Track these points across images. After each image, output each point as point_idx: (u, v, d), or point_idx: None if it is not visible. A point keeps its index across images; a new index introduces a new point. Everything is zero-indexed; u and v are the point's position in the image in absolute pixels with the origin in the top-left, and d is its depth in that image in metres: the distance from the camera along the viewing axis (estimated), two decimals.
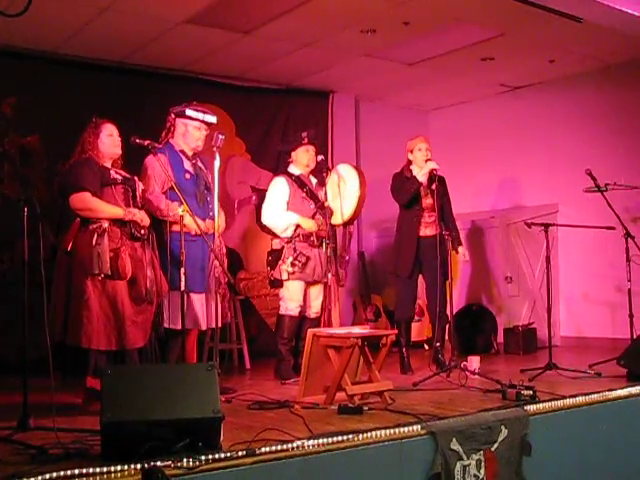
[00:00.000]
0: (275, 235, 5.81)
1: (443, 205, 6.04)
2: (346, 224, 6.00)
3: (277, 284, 5.79)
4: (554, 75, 7.77)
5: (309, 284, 5.78)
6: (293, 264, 5.62)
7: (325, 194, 5.81)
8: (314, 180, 5.93)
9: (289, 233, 5.71)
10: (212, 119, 5.35)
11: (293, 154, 5.92)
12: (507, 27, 6.35)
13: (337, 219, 5.89)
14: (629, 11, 5.92)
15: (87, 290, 4.34)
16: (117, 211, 4.53)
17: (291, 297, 5.71)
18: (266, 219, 5.82)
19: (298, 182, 5.83)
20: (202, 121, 5.28)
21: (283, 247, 5.71)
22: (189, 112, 5.23)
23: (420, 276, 6.10)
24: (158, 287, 4.65)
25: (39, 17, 5.31)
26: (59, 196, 4.83)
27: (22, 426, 3.62)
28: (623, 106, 7.43)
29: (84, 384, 4.41)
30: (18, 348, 3.91)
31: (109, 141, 4.68)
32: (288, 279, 5.68)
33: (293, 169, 5.91)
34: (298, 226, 5.70)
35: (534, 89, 8.16)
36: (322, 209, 5.73)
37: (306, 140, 5.86)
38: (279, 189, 5.80)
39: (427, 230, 6.01)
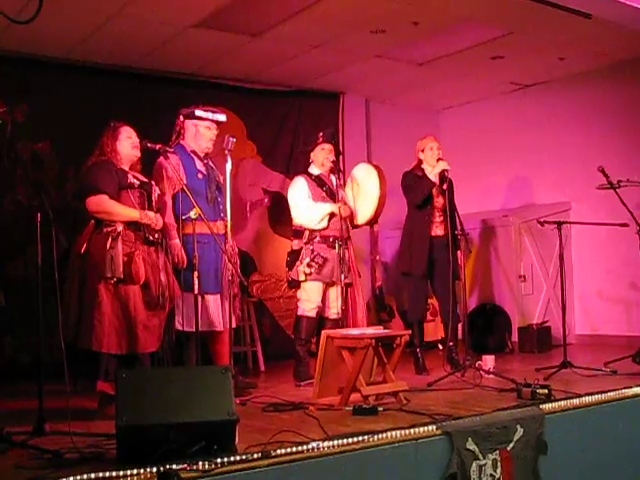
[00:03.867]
0: (296, 236, 5.78)
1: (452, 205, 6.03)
2: (368, 224, 6.06)
3: (294, 285, 5.79)
4: (564, 72, 7.73)
5: (328, 285, 5.75)
6: (309, 265, 5.61)
7: (345, 195, 5.87)
8: (334, 180, 5.88)
9: (325, 223, 5.68)
10: (222, 117, 5.38)
11: (312, 154, 5.93)
12: (516, 25, 6.33)
13: (357, 220, 5.96)
14: (638, 6, 5.89)
15: (100, 294, 4.34)
16: (133, 213, 4.54)
17: (308, 298, 5.70)
18: (299, 218, 5.76)
19: (318, 181, 5.83)
20: (212, 120, 5.30)
21: (301, 248, 5.70)
22: (198, 112, 5.27)
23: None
24: (171, 292, 4.66)
25: (49, 24, 5.34)
26: (75, 198, 4.83)
27: (38, 431, 3.64)
28: (634, 102, 7.38)
29: (95, 388, 4.40)
30: (33, 352, 3.92)
31: (128, 143, 4.69)
32: (305, 280, 5.67)
33: (313, 169, 5.91)
34: (333, 215, 5.65)
35: (544, 87, 8.13)
36: None
37: (321, 139, 5.87)
38: (298, 187, 5.80)
39: (438, 230, 6.01)
